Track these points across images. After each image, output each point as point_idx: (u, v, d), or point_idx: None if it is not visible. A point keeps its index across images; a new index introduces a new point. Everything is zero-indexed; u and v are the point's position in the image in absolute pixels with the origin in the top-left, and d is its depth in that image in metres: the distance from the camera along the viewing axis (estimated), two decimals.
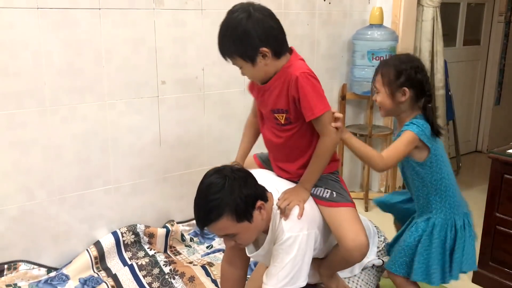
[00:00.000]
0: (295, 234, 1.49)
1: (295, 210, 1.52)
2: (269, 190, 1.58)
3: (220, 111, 2.67)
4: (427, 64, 3.23)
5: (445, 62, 3.46)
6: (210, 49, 2.53)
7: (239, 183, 1.44)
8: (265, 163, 1.84)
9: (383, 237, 1.92)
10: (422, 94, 1.69)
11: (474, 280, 2.29)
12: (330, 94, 3.13)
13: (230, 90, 2.67)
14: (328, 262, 1.70)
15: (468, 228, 1.77)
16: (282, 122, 1.61)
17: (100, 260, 2.30)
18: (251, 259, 1.84)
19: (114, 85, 2.30)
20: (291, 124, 1.60)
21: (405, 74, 1.67)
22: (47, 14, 2.06)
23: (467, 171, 3.93)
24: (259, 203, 1.48)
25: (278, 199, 1.56)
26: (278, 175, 1.73)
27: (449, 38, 3.89)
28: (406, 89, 1.66)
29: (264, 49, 1.50)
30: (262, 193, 1.52)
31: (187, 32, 2.45)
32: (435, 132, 1.70)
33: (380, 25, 3.02)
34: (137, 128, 2.41)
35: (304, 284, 1.54)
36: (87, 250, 2.31)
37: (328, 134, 1.56)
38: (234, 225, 1.44)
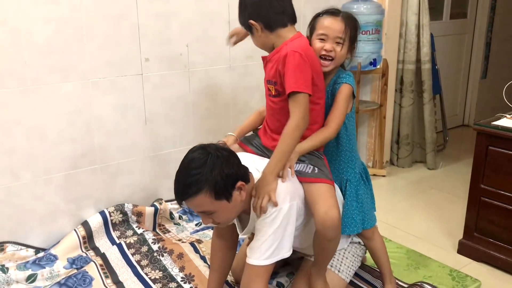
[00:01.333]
0: (278, 207, 1.50)
1: (277, 189, 1.53)
2: (250, 170, 1.58)
3: (206, 88, 2.65)
4: (413, 37, 3.22)
5: (432, 36, 3.44)
6: (194, 25, 2.51)
7: (221, 161, 1.44)
8: (249, 142, 1.83)
9: None
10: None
11: (459, 251, 2.32)
12: None
13: (216, 67, 2.64)
14: (314, 256, 1.72)
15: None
16: (273, 93, 1.66)
17: (88, 239, 2.29)
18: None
19: (97, 63, 2.26)
20: (279, 96, 1.64)
21: (358, 31, 1.73)
22: None
23: (454, 144, 3.96)
24: (239, 183, 1.48)
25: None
26: (266, 146, 1.75)
27: (435, 11, 3.88)
28: (355, 45, 1.74)
29: (252, 21, 1.62)
30: (244, 174, 1.52)
31: (170, 7, 2.40)
32: None
33: None
34: (121, 106, 2.38)
35: (288, 254, 1.55)
36: (75, 230, 2.30)
37: (295, 116, 1.55)
38: (211, 203, 1.45)
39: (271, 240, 1.51)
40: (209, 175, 1.42)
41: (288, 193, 1.54)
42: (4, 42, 2.01)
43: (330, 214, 1.55)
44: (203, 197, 1.43)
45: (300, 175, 1.64)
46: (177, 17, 2.44)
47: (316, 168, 1.64)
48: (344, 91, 1.69)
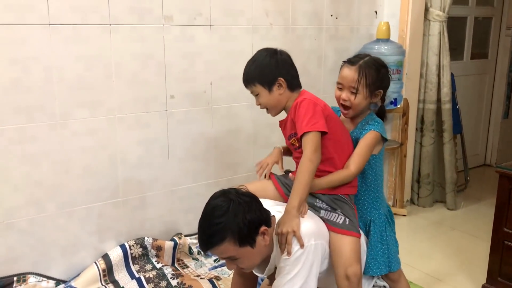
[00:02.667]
0: (298, 253, 1.50)
1: (301, 228, 1.54)
2: (272, 213, 1.60)
3: (228, 125, 2.69)
4: (434, 78, 3.24)
5: (453, 76, 3.47)
6: (218, 64, 2.58)
7: (244, 208, 1.46)
8: (281, 182, 1.86)
9: None
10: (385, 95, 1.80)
11: None
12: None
13: (238, 104, 2.70)
14: None
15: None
16: (297, 146, 1.75)
17: (108, 272, 2.31)
18: None
19: (124, 99, 2.33)
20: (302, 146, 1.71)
21: (385, 77, 1.76)
22: (58, 30, 2.10)
23: (475, 184, 3.91)
24: (262, 228, 1.49)
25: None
26: None
27: (456, 52, 3.90)
28: (382, 91, 1.76)
29: (282, 79, 1.75)
30: (266, 218, 1.53)
31: (195, 47, 2.48)
32: None
33: (387, 40, 3.03)
34: (145, 141, 2.43)
35: None
36: (95, 262, 2.32)
37: (306, 151, 1.62)
38: (236, 249, 1.46)
39: (296, 282, 1.50)
40: (232, 223, 1.43)
41: (312, 233, 1.54)
42: (37, 79, 2.09)
43: (352, 269, 1.58)
44: (227, 245, 1.45)
45: (331, 224, 1.65)
46: (202, 56, 2.51)
47: (347, 219, 1.66)
48: (368, 137, 1.73)
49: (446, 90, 3.26)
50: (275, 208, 1.64)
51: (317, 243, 1.54)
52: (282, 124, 1.83)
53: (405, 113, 3.18)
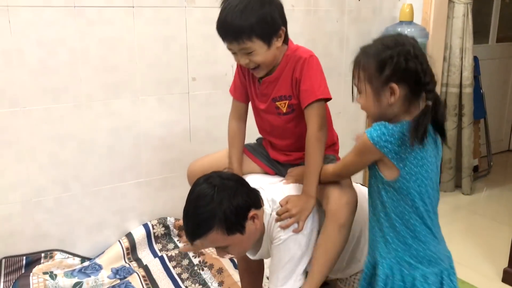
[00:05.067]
0: (291, 234, 1.43)
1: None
2: (261, 192, 1.51)
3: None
4: (457, 61, 3.19)
5: (477, 59, 3.41)
6: None
7: (229, 193, 1.36)
8: (255, 151, 1.77)
9: None
10: (419, 88, 1.21)
11: (504, 280, 2.26)
12: None
13: None
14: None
15: None
16: (284, 111, 1.55)
17: (132, 251, 2.37)
18: None
19: (147, 81, 2.36)
20: (293, 112, 1.55)
21: (390, 64, 1.20)
22: (83, 13, 2.14)
23: (499, 170, 3.86)
24: (251, 213, 1.40)
25: (280, 206, 1.46)
26: (277, 160, 1.68)
27: (481, 35, 3.83)
28: (394, 85, 1.20)
29: (284, 28, 1.49)
30: (255, 201, 1.44)
31: None
32: (418, 140, 1.18)
33: (410, 22, 2.99)
34: (168, 123, 2.47)
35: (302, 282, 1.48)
36: (119, 241, 2.38)
37: (313, 131, 1.46)
38: (225, 238, 1.37)
39: (288, 268, 1.43)
40: (217, 212, 1.33)
41: (309, 220, 1.46)
42: (62, 61, 2.14)
43: (345, 192, 1.44)
44: (215, 234, 1.35)
45: None
46: None
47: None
48: (358, 140, 1.31)
49: (467, 74, 3.20)
50: (264, 183, 1.55)
51: (312, 230, 1.47)
52: (267, 82, 1.54)
53: None
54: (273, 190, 1.54)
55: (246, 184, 1.47)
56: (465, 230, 2.81)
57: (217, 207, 1.34)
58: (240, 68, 1.68)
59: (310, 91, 1.45)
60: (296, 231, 1.43)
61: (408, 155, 1.21)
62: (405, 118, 1.23)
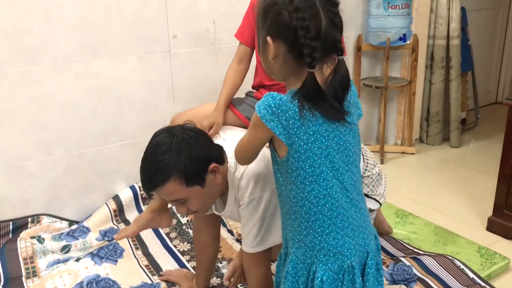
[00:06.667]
0: (258, 195, 1.40)
1: (253, 173, 1.39)
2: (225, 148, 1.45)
3: None
4: (444, 12, 3.13)
5: (464, 10, 3.35)
6: (221, 1, 2.51)
7: (189, 143, 1.31)
8: (236, 103, 1.82)
9: (385, 184, 1.88)
10: (299, 48, 1.03)
11: (488, 228, 2.29)
12: (346, 46, 3.07)
13: None
14: None
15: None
16: None
17: (119, 213, 2.36)
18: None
19: (126, 40, 2.29)
20: None
21: (269, 16, 1.06)
22: None
23: (486, 122, 3.87)
24: (212, 165, 1.34)
25: None
26: None
27: None
28: (269, 39, 1.06)
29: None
30: (217, 155, 1.38)
31: None
32: (308, 110, 1.04)
33: None
34: (150, 83, 2.42)
35: (280, 240, 1.35)
36: (106, 203, 2.37)
37: None
38: (183, 190, 1.32)
39: (257, 227, 1.42)
40: (176, 160, 1.28)
41: (267, 182, 1.39)
42: (37, 20, 2.06)
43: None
44: (173, 185, 1.30)
45: None
46: None
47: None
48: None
49: (454, 25, 3.15)
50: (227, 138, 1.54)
51: (273, 192, 1.38)
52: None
53: (414, 50, 3.11)
54: (233, 141, 1.43)
55: (208, 137, 1.43)
56: (452, 182, 2.84)
57: (175, 156, 1.29)
58: (251, 9, 1.69)
59: None
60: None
61: (297, 130, 1.05)
62: (296, 85, 1.07)
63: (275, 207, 1.40)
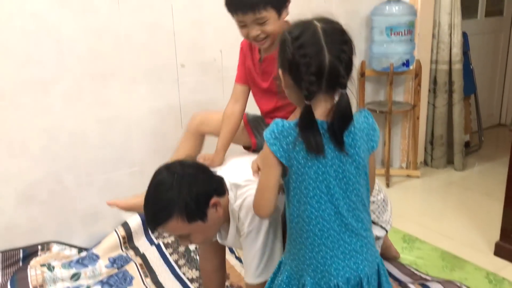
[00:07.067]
0: (257, 226, 1.41)
1: (251, 204, 1.36)
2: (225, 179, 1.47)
3: None
4: (446, 37, 3.18)
5: (466, 35, 3.40)
6: (227, 31, 2.56)
7: (189, 181, 1.34)
8: (254, 120, 1.84)
9: (390, 210, 1.89)
10: (300, 82, 1.11)
11: (496, 253, 2.29)
12: None
13: None
14: None
15: None
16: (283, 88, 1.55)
17: (128, 239, 2.38)
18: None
19: (135, 69, 2.34)
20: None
21: (281, 50, 1.16)
22: (68, 3, 2.11)
23: (489, 144, 3.89)
24: (213, 200, 1.38)
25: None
26: None
27: (470, 9, 3.82)
28: (280, 71, 1.17)
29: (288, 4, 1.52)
30: (218, 188, 1.42)
31: (204, 14, 2.47)
32: (313, 146, 1.12)
33: (398, 0, 2.98)
34: (158, 111, 2.46)
35: None
36: (115, 230, 2.39)
37: None
38: (185, 226, 1.35)
39: (258, 259, 1.43)
40: (177, 199, 1.32)
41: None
42: (49, 52, 2.11)
43: None
44: (175, 222, 1.33)
45: None
46: (211, 24, 2.50)
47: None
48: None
49: (456, 50, 3.20)
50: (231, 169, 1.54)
51: (271, 221, 1.42)
52: (267, 60, 1.58)
53: (417, 75, 3.15)
54: (233, 172, 1.52)
55: (208, 171, 1.45)
56: (458, 206, 2.85)
57: (176, 195, 1.32)
58: (242, 51, 1.74)
59: None
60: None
61: (296, 154, 1.14)
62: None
63: (275, 236, 1.43)
